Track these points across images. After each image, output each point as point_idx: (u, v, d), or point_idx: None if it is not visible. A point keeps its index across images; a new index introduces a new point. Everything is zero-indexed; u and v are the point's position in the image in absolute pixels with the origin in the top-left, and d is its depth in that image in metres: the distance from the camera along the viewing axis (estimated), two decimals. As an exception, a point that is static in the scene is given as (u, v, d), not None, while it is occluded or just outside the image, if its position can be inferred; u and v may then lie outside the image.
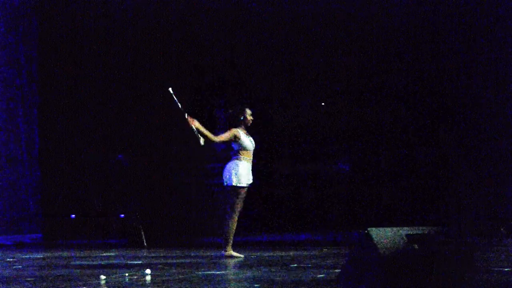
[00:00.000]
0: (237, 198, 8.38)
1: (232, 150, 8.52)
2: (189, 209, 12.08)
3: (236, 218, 8.41)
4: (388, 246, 5.03)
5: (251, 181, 8.47)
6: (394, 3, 12.00)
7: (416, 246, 5.09)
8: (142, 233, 11.18)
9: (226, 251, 8.36)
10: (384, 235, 5.10)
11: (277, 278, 5.96)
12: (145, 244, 11.10)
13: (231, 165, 8.44)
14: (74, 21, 12.33)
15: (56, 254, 9.63)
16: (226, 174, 8.44)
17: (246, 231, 13.12)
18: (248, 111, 8.59)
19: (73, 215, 12.04)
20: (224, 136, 8.46)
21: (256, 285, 5.38)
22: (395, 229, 5.18)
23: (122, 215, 11.91)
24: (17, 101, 12.34)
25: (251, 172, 8.49)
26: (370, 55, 12.15)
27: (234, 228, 8.42)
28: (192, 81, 12.22)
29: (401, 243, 5.09)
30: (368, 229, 5.13)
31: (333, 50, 12.24)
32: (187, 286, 5.40)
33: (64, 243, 11.74)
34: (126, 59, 12.22)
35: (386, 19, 11.99)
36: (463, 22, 11.54)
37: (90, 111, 12.27)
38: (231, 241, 8.41)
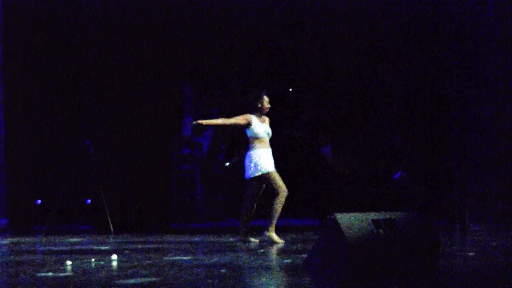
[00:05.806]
0: (256, 186, 8.32)
1: (247, 140, 8.34)
2: (157, 195, 12.04)
3: (249, 206, 8.41)
4: (354, 231, 5.06)
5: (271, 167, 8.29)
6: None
7: (381, 231, 5.13)
8: (109, 218, 11.15)
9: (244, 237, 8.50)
10: (350, 221, 5.12)
11: (244, 264, 5.98)
12: (112, 229, 11.07)
13: (247, 158, 8.31)
14: (40, 9, 12.20)
15: (22, 239, 9.56)
16: (247, 168, 8.32)
17: (213, 216, 13.12)
18: (266, 98, 8.35)
19: (39, 201, 11.96)
20: (236, 118, 8.22)
21: (222, 271, 5.39)
22: (361, 214, 5.21)
23: (89, 200, 11.85)
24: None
25: (271, 157, 8.32)
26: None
27: (246, 217, 8.44)
28: (158, 69, 12.20)
29: (367, 229, 5.13)
30: (335, 214, 5.15)
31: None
32: (153, 271, 5.40)
33: (30, 229, 11.67)
34: (90, 47, 12.14)
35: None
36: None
37: (56, 97, 12.18)
38: (245, 229, 8.48)
